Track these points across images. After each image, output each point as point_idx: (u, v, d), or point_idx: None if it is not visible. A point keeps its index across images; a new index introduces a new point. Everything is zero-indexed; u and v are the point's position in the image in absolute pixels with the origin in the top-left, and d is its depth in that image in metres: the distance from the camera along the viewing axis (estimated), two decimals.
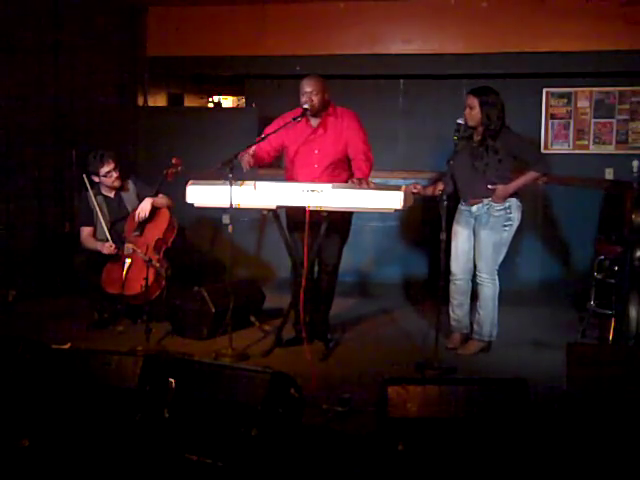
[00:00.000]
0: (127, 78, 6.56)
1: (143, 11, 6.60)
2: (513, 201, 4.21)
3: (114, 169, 4.85)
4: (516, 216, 4.22)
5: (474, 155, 4.19)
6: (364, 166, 4.14)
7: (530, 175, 4.15)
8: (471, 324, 4.43)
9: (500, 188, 4.13)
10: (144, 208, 4.79)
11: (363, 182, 4.00)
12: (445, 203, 3.92)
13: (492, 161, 4.15)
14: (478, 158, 4.17)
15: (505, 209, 4.19)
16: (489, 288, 4.28)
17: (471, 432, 2.68)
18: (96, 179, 4.89)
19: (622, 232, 4.54)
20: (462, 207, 4.36)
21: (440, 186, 4.25)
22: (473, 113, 4.16)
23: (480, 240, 4.26)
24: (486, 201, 4.21)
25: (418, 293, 5.88)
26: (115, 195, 4.96)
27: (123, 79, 6.52)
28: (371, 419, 2.97)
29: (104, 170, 4.82)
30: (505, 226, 4.20)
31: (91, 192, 4.80)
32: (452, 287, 4.40)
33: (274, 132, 4.22)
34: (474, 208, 4.27)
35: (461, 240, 4.35)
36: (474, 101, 4.16)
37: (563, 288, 5.78)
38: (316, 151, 4.27)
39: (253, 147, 4.19)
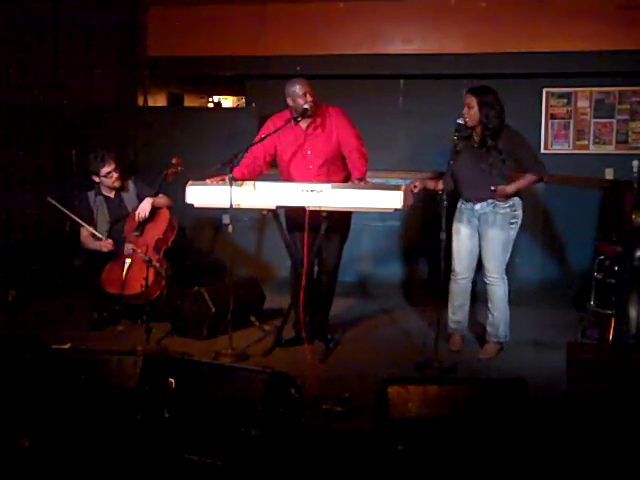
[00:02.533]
0: (127, 78, 6.56)
1: (143, 11, 6.60)
2: (516, 199, 4.21)
3: (114, 169, 4.85)
4: (520, 214, 4.22)
5: (477, 156, 4.16)
6: (360, 164, 4.14)
7: (528, 178, 4.15)
8: (463, 324, 4.44)
9: (500, 189, 4.12)
10: (144, 208, 4.80)
11: (363, 182, 4.01)
12: (445, 203, 3.91)
13: (496, 161, 4.13)
14: (483, 159, 4.15)
15: (510, 207, 4.18)
16: (500, 288, 4.26)
17: (471, 432, 2.68)
18: (97, 179, 4.90)
19: (621, 232, 4.54)
20: (464, 206, 4.32)
21: (440, 185, 4.20)
22: (472, 112, 4.13)
23: (488, 240, 4.23)
24: (490, 200, 4.19)
25: (418, 293, 5.88)
26: (115, 195, 4.96)
27: (123, 79, 6.52)
28: (371, 419, 2.96)
29: (105, 170, 4.83)
30: (512, 224, 4.19)
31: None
32: (454, 286, 4.36)
33: (264, 138, 4.19)
34: (478, 207, 4.24)
35: (463, 239, 4.31)
36: (473, 100, 4.13)
37: (563, 288, 5.79)
38: (309, 152, 4.25)
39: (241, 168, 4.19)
